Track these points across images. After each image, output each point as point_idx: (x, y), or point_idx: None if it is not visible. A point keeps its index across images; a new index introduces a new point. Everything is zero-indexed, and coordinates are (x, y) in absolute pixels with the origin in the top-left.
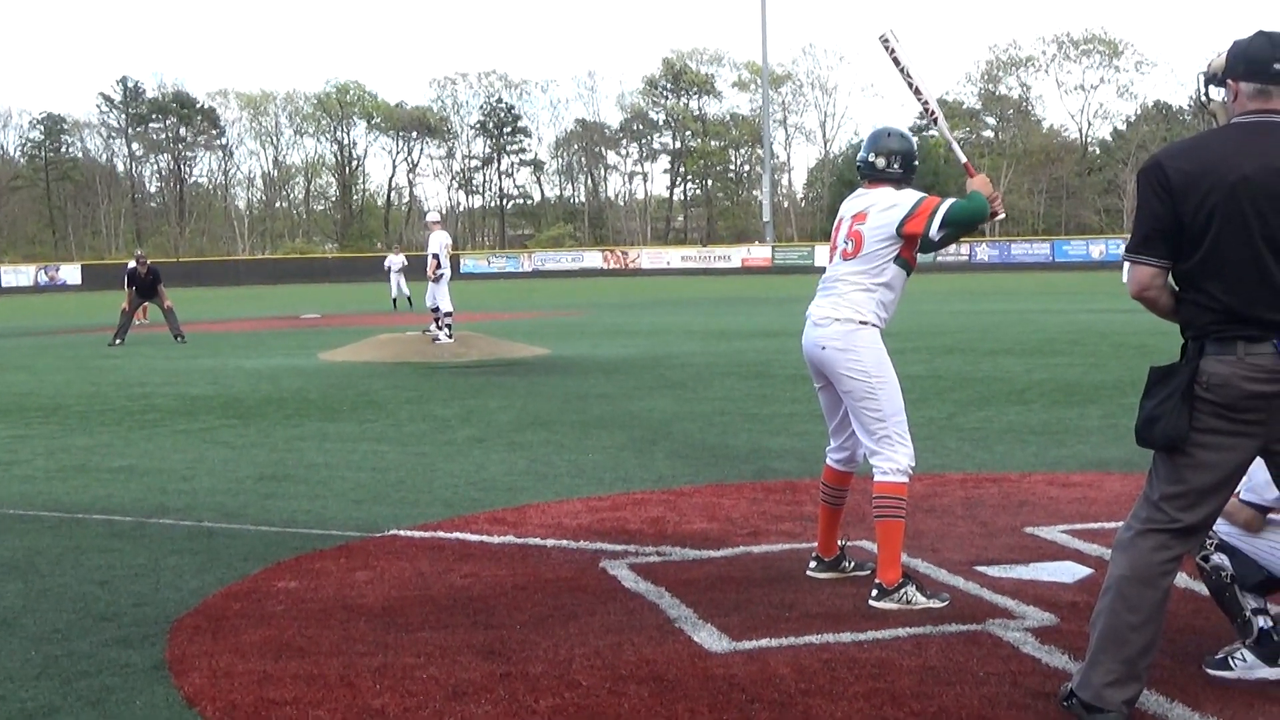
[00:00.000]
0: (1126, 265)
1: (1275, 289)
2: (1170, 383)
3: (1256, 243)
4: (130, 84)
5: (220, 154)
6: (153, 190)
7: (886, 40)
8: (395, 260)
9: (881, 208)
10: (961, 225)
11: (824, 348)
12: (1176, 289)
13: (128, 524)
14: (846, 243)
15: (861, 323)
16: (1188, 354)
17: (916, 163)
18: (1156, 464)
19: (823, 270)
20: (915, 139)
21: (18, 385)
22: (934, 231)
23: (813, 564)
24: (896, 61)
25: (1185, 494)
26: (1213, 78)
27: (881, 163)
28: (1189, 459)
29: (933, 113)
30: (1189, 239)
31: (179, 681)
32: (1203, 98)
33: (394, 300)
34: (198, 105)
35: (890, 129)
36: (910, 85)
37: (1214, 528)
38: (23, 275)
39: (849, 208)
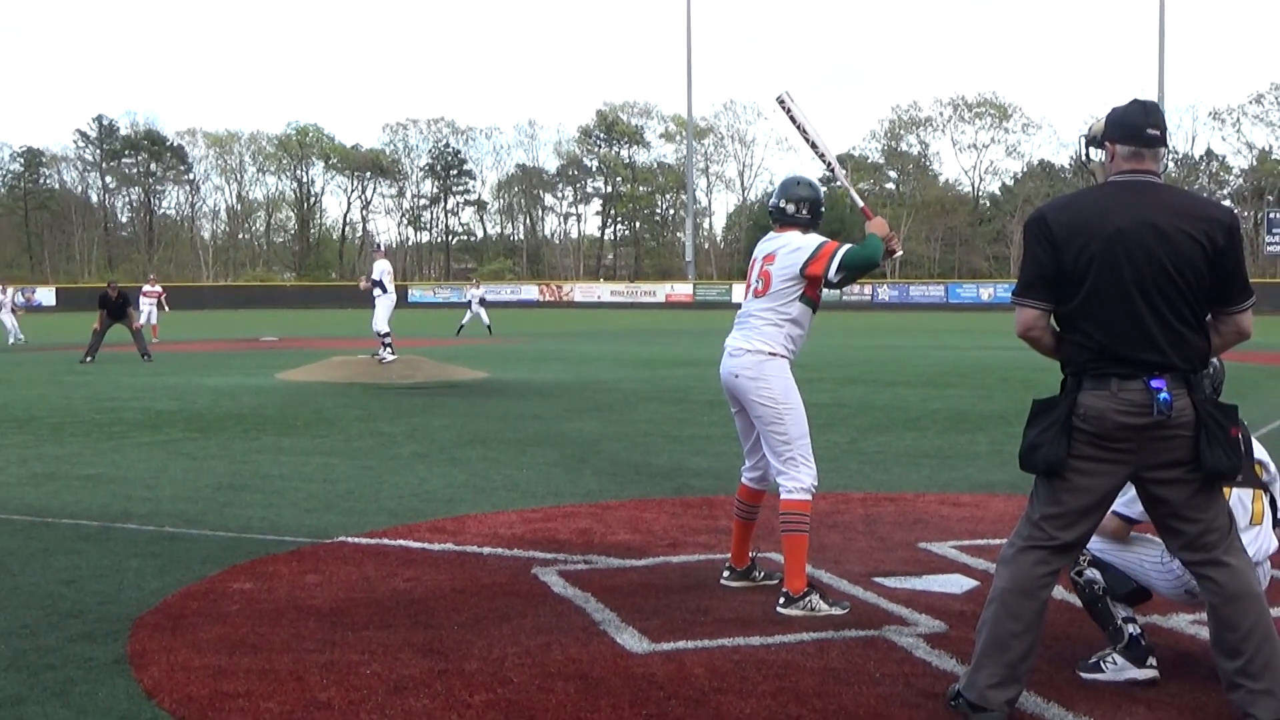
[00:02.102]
0: None
1: (1145, 330)
2: (1051, 414)
3: (1129, 288)
4: (105, 122)
5: (188, 188)
6: (124, 220)
7: (783, 101)
8: (475, 292)
9: (788, 250)
10: (857, 268)
11: (737, 376)
12: (1058, 329)
13: (94, 528)
14: (758, 281)
15: (771, 354)
16: (1067, 388)
17: (823, 209)
18: (1037, 487)
19: (739, 306)
20: (823, 189)
21: None
22: (832, 273)
23: (726, 573)
24: (794, 119)
25: (1063, 514)
26: (1092, 140)
27: (791, 209)
28: (1066, 483)
29: (830, 164)
30: (1069, 284)
31: (139, 675)
32: (1083, 157)
33: (460, 328)
34: (168, 143)
35: (800, 178)
36: (807, 139)
37: (1088, 545)
38: None
39: (761, 249)
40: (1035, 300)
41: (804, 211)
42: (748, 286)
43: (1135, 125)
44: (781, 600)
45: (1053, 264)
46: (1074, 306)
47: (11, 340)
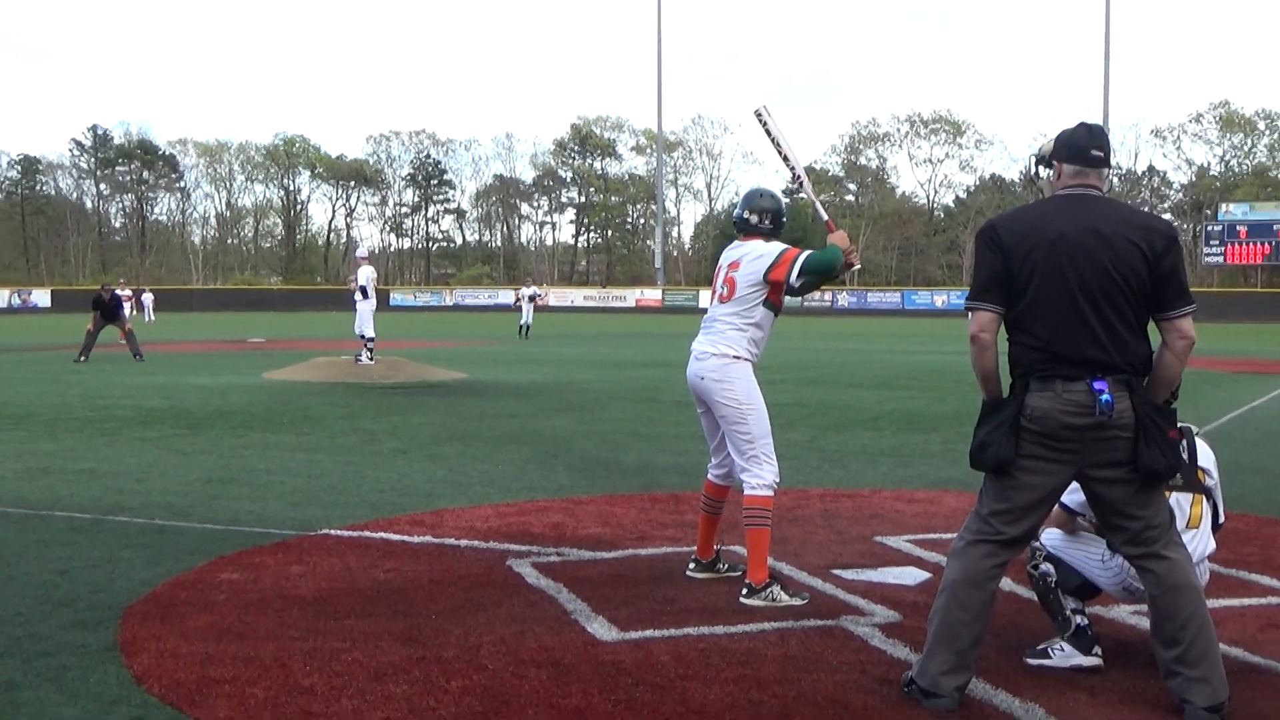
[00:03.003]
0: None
1: (1089, 329)
2: (1000, 415)
3: (1072, 289)
4: (100, 131)
5: (179, 195)
6: (117, 225)
7: (760, 115)
8: (526, 291)
9: (752, 257)
10: (818, 274)
11: (703, 378)
12: (1007, 336)
13: (87, 520)
14: (723, 288)
15: (735, 357)
16: (1015, 390)
17: (785, 220)
18: (986, 484)
19: (705, 311)
20: (785, 200)
21: None
22: (794, 278)
23: (692, 565)
24: (769, 132)
25: (1010, 510)
26: (1042, 159)
27: (754, 219)
28: (1014, 481)
29: (799, 177)
30: (1017, 287)
31: (129, 661)
32: (1032, 173)
33: (520, 328)
34: (160, 152)
35: (763, 190)
36: (780, 153)
37: (1042, 541)
38: None
39: (726, 257)
40: (989, 303)
41: (766, 222)
42: (713, 293)
43: (1081, 146)
44: (744, 591)
45: (1003, 268)
46: (1022, 308)
47: None
